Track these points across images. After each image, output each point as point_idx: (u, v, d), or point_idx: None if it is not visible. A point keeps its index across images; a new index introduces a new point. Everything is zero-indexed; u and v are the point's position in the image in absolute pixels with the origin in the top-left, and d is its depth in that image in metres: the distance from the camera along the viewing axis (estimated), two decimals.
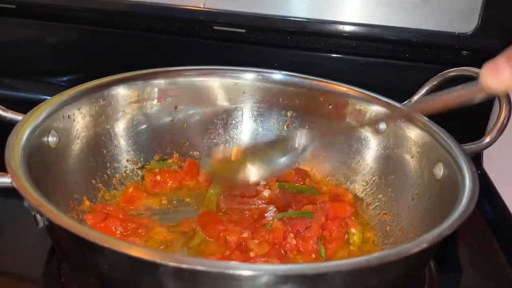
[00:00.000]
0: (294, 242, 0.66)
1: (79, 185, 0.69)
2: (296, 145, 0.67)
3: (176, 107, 0.82)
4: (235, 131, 0.86)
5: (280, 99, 0.84)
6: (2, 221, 0.70)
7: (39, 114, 0.65)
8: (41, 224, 0.53)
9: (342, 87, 0.81)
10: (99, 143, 0.74)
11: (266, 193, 0.75)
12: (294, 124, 0.84)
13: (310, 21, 0.87)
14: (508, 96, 0.71)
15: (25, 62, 1.01)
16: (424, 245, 0.49)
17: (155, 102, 0.81)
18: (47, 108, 0.66)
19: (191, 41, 0.95)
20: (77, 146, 0.70)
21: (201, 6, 0.89)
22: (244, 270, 0.44)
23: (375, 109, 0.77)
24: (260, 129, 0.86)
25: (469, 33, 0.82)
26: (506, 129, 0.72)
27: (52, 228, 0.52)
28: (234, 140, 0.86)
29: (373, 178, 0.77)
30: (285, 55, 0.92)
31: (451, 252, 0.71)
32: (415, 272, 0.61)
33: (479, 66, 0.86)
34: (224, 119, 0.85)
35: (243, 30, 0.91)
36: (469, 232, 0.75)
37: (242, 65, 0.85)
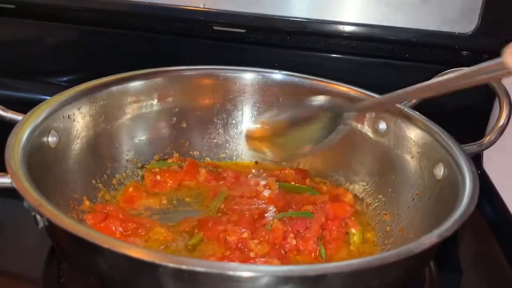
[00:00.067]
0: (294, 242, 0.66)
1: (79, 185, 0.69)
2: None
3: (176, 107, 0.82)
4: (235, 130, 0.86)
5: (280, 99, 0.84)
6: (2, 221, 0.70)
7: (39, 114, 0.65)
8: (41, 224, 0.53)
9: (342, 87, 0.81)
10: (99, 143, 0.74)
11: (266, 193, 0.75)
12: None
13: (310, 21, 0.87)
14: (508, 96, 0.71)
15: (25, 62, 1.01)
16: (425, 246, 0.49)
17: (155, 102, 0.81)
18: (47, 108, 0.66)
19: (191, 41, 0.95)
20: (77, 146, 0.70)
21: (201, 6, 0.89)
22: (244, 271, 0.44)
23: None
24: None
25: (469, 33, 0.82)
26: (506, 129, 0.72)
27: (52, 228, 0.52)
28: (234, 140, 0.86)
29: (373, 179, 0.77)
30: (285, 55, 0.92)
31: (451, 252, 0.71)
32: (416, 273, 0.61)
33: None
34: (224, 119, 0.85)
35: (243, 30, 0.91)
36: (469, 232, 0.75)
37: (242, 65, 0.85)
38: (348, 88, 0.80)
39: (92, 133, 0.73)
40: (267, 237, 0.65)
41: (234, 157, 0.86)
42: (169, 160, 0.81)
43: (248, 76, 0.84)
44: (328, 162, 0.81)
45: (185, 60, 0.85)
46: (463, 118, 0.87)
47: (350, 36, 0.87)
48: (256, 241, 0.64)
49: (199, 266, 0.44)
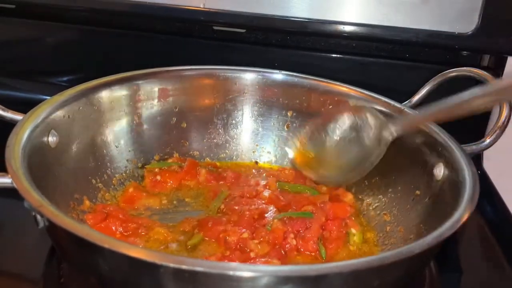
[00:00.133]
0: (294, 242, 0.66)
1: (79, 185, 0.69)
2: None
3: (176, 107, 0.82)
4: (235, 131, 0.86)
5: (280, 99, 0.84)
6: (2, 221, 0.70)
7: (39, 114, 0.65)
8: (41, 224, 0.52)
9: (342, 87, 0.81)
10: (99, 143, 0.74)
11: (266, 193, 0.75)
12: (294, 124, 0.84)
13: (310, 21, 0.86)
14: None
15: (25, 62, 1.01)
16: (426, 246, 0.49)
17: (155, 102, 0.81)
18: (47, 108, 0.66)
19: (191, 41, 0.95)
20: (77, 146, 0.70)
21: (201, 6, 0.89)
22: (245, 272, 0.44)
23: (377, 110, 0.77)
24: (260, 129, 0.86)
25: (469, 33, 0.82)
26: (506, 129, 0.72)
27: (53, 228, 0.52)
28: (234, 140, 0.86)
29: (373, 179, 0.76)
30: (285, 55, 0.92)
31: (451, 252, 0.71)
32: (416, 273, 0.61)
33: (479, 66, 0.87)
34: (224, 119, 0.85)
35: (243, 30, 0.92)
36: (469, 232, 0.75)
37: (242, 65, 0.85)
38: (348, 88, 0.80)
39: (92, 133, 0.73)
40: (267, 237, 0.65)
41: (234, 157, 0.86)
42: (169, 160, 0.81)
43: (248, 76, 0.84)
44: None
45: (185, 60, 0.85)
46: (463, 118, 0.87)
47: (350, 36, 0.87)
48: (256, 241, 0.64)
49: (200, 266, 0.44)
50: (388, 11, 0.83)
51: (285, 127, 0.85)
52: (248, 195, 0.74)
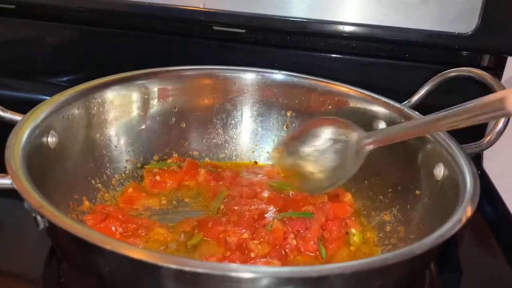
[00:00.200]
0: (294, 242, 0.66)
1: (79, 186, 0.69)
2: None
3: (175, 107, 0.82)
4: (234, 131, 0.86)
5: (280, 99, 0.84)
6: (2, 221, 0.70)
7: (38, 114, 0.64)
8: (41, 226, 0.52)
9: (342, 87, 0.81)
10: (98, 143, 0.74)
11: (265, 193, 0.75)
12: (294, 124, 0.84)
13: (310, 21, 0.86)
14: None
15: (25, 62, 1.01)
16: (428, 246, 0.49)
17: (155, 102, 0.81)
18: (47, 108, 0.66)
19: (191, 41, 0.95)
20: (76, 146, 0.70)
21: (201, 6, 0.89)
22: (246, 273, 0.44)
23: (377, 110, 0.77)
24: (259, 129, 0.86)
25: (469, 33, 0.82)
26: (506, 129, 0.72)
27: (53, 229, 0.52)
28: (233, 140, 0.86)
29: (373, 179, 0.76)
30: (285, 55, 0.92)
31: (451, 253, 0.71)
32: (418, 273, 0.61)
33: (479, 66, 0.87)
34: (223, 119, 0.85)
35: (243, 30, 0.91)
36: (469, 232, 0.75)
37: (242, 65, 0.85)
38: (348, 88, 0.80)
39: (91, 134, 0.73)
40: (267, 237, 0.65)
41: (234, 157, 0.86)
42: (169, 160, 0.81)
43: (248, 76, 0.84)
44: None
45: (185, 60, 0.85)
46: None
47: (350, 36, 0.87)
48: (256, 241, 0.64)
49: (203, 267, 0.44)
50: (388, 11, 0.83)
51: (285, 127, 0.85)
52: (246, 195, 0.74)
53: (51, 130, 0.65)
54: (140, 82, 0.79)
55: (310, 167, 0.72)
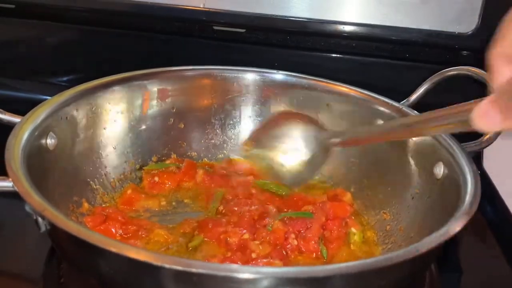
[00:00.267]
0: (295, 242, 0.65)
1: (78, 188, 0.69)
2: None
3: (173, 108, 0.82)
4: (233, 131, 0.86)
5: (280, 99, 0.84)
6: (2, 221, 0.70)
7: (37, 116, 0.64)
8: (43, 228, 0.52)
9: (342, 87, 0.81)
10: (97, 144, 0.74)
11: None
12: None
13: (310, 21, 0.87)
14: None
15: (25, 62, 1.01)
16: (434, 244, 0.49)
17: (154, 102, 0.81)
18: (45, 109, 0.66)
19: (191, 41, 0.95)
20: (75, 148, 0.70)
21: (201, 6, 0.89)
22: (250, 274, 0.44)
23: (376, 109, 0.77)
24: None
25: (469, 33, 0.82)
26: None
27: (55, 232, 0.52)
28: (232, 140, 0.86)
29: (372, 177, 0.77)
30: (285, 55, 0.92)
31: (451, 253, 0.71)
32: (421, 272, 0.61)
33: (479, 66, 0.87)
34: (222, 119, 0.85)
35: (243, 30, 0.91)
36: (470, 232, 0.75)
37: (242, 65, 0.84)
38: (348, 88, 0.80)
39: (90, 135, 0.73)
40: (268, 238, 0.65)
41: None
42: (167, 161, 0.81)
43: (248, 76, 0.84)
44: (327, 162, 0.81)
45: (185, 60, 0.84)
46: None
47: (350, 36, 0.87)
48: (257, 242, 0.64)
49: (208, 269, 0.44)
50: (388, 11, 0.84)
51: None
52: (243, 196, 0.74)
53: (50, 132, 0.65)
54: (139, 82, 0.79)
55: (280, 160, 0.71)
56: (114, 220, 0.66)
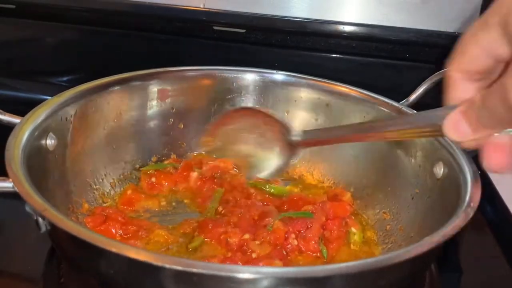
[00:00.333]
0: (295, 242, 0.65)
1: (78, 188, 0.69)
2: None
3: (173, 108, 0.82)
4: None
5: (279, 99, 0.84)
6: (2, 221, 0.70)
7: (37, 116, 0.64)
8: (43, 229, 0.52)
9: (342, 87, 0.81)
10: (97, 145, 0.74)
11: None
12: (292, 125, 0.84)
13: (310, 21, 0.87)
14: None
15: (25, 62, 1.01)
16: (436, 243, 0.49)
17: (153, 102, 0.80)
18: (45, 110, 0.65)
19: (191, 41, 0.95)
20: (75, 148, 0.70)
21: (201, 6, 0.89)
22: (250, 274, 0.44)
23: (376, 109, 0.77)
24: None
25: None
26: None
27: (56, 233, 0.52)
28: None
29: (372, 177, 0.77)
30: (285, 55, 0.92)
31: (451, 253, 0.71)
32: (420, 273, 0.61)
33: None
34: None
35: (243, 30, 0.92)
36: (469, 232, 0.75)
37: (242, 65, 0.84)
38: (348, 88, 0.80)
39: (89, 135, 0.73)
40: (268, 238, 0.65)
41: None
42: (166, 162, 0.81)
43: (248, 76, 0.84)
44: (326, 162, 0.81)
45: (185, 60, 0.85)
46: None
47: (350, 36, 0.87)
48: (257, 242, 0.64)
49: (209, 269, 0.44)
50: (388, 11, 0.84)
51: None
52: (239, 198, 0.74)
53: (50, 132, 0.65)
54: (139, 82, 0.79)
55: (244, 152, 0.71)
56: (114, 220, 0.65)
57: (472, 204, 0.55)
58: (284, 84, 0.83)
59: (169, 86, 0.81)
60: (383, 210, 0.73)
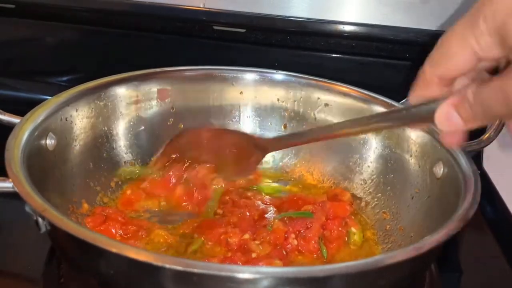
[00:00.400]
0: (295, 242, 0.65)
1: (78, 188, 0.69)
2: None
3: (173, 108, 0.82)
4: None
5: (279, 99, 0.84)
6: (2, 222, 0.70)
7: (37, 116, 0.64)
8: (43, 229, 0.52)
9: (341, 87, 0.81)
10: (97, 145, 0.74)
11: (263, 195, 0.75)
12: (292, 125, 0.84)
13: (310, 21, 0.87)
14: None
15: (25, 62, 1.01)
16: (432, 245, 0.49)
17: (153, 102, 0.81)
18: (45, 110, 0.66)
19: (191, 41, 0.95)
20: (75, 148, 0.70)
21: (201, 6, 0.89)
22: (250, 274, 0.44)
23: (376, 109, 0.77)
24: (257, 129, 0.85)
25: None
26: (505, 128, 0.72)
27: (56, 233, 0.52)
28: None
29: (372, 177, 0.77)
30: (285, 55, 0.92)
31: (451, 253, 0.71)
32: (420, 273, 0.61)
33: None
34: (221, 119, 0.85)
35: (243, 30, 0.91)
36: (469, 232, 0.75)
37: (242, 65, 0.84)
38: (348, 88, 0.80)
39: (89, 135, 0.73)
40: (268, 237, 0.65)
41: None
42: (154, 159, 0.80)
43: (248, 76, 0.84)
44: (326, 162, 0.81)
45: (185, 60, 0.84)
46: None
47: (350, 36, 0.87)
48: (257, 242, 0.64)
49: (210, 269, 0.44)
50: (388, 11, 0.84)
51: (283, 127, 0.85)
52: (237, 199, 0.73)
53: (49, 133, 0.65)
54: (139, 82, 0.79)
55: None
56: (114, 220, 0.65)
57: (472, 204, 0.55)
58: (284, 84, 0.83)
59: (169, 86, 0.81)
60: (382, 210, 0.73)
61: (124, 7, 0.91)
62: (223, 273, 0.44)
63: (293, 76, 0.83)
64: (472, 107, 0.42)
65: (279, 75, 0.83)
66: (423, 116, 0.47)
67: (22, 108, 0.66)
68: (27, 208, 0.51)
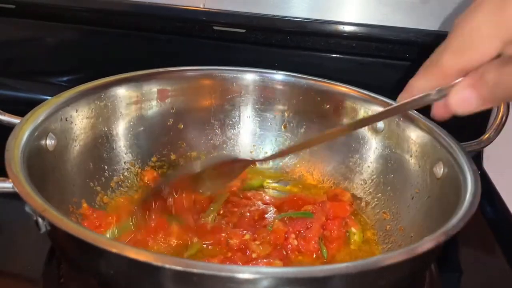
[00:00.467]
0: (295, 242, 0.65)
1: (78, 189, 0.69)
2: None
3: (173, 108, 0.82)
4: (232, 131, 0.85)
5: (279, 99, 0.84)
6: (2, 222, 0.70)
7: (37, 116, 0.64)
8: (43, 229, 0.52)
9: (341, 87, 0.81)
10: (97, 145, 0.74)
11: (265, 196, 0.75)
12: (292, 125, 0.84)
13: (310, 21, 0.87)
14: None
15: (25, 62, 1.01)
16: (432, 245, 0.49)
17: (154, 103, 0.81)
18: (45, 110, 0.65)
19: (191, 41, 0.95)
20: (75, 148, 0.70)
21: (201, 6, 0.89)
22: (250, 274, 0.44)
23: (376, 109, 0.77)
24: (258, 129, 0.85)
25: None
26: (505, 128, 0.72)
27: (55, 232, 0.52)
28: (231, 140, 0.86)
29: (372, 177, 0.77)
30: (285, 55, 0.92)
31: (451, 252, 0.71)
32: (420, 273, 0.61)
33: None
34: (221, 119, 0.85)
35: (243, 30, 0.91)
36: (469, 232, 0.74)
37: (242, 65, 0.84)
38: (348, 88, 0.80)
39: (89, 135, 0.73)
40: (268, 238, 0.65)
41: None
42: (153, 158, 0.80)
43: (248, 77, 0.84)
44: (326, 162, 0.81)
45: (185, 60, 0.85)
46: (463, 117, 0.87)
47: (350, 36, 0.87)
48: (257, 242, 0.64)
49: (208, 269, 0.44)
50: (388, 11, 0.84)
51: (283, 127, 0.85)
52: (236, 201, 0.73)
53: (49, 133, 0.65)
54: (139, 82, 0.79)
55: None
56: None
57: (472, 204, 0.55)
58: (284, 84, 0.83)
59: (169, 86, 0.81)
60: (383, 210, 0.73)
61: (124, 7, 0.91)
62: (223, 273, 0.44)
63: (293, 76, 0.83)
64: (492, 87, 0.41)
65: (279, 75, 0.83)
66: (430, 99, 0.46)
67: (22, 108, 0.66)
68: (27, 208, 0.51)
